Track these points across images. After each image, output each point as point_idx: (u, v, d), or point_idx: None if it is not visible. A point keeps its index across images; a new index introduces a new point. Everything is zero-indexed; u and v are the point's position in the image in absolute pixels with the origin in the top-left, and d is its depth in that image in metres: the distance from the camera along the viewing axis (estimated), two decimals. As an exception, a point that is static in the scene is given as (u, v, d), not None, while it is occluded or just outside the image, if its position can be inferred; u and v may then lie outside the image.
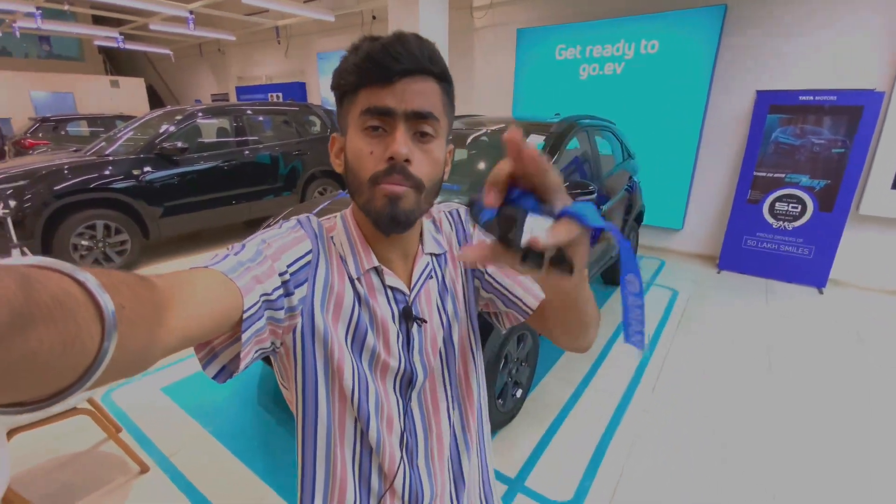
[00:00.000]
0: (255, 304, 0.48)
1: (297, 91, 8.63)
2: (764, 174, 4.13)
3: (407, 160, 0.55)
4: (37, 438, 1.98)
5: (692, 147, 4.64)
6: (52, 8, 7.07)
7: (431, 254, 0.68)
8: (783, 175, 4.05)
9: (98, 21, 11.09)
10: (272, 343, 0.55)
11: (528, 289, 0.70)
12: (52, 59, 11.92)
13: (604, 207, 3.05)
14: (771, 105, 3.98)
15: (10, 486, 1.54)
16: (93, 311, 0.27)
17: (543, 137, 2.69)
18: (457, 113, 4.26)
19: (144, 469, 1.93)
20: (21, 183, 3.97)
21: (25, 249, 3.44)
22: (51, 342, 0.24)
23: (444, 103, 0.59)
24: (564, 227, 0.37)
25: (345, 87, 0.57)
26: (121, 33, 8.76)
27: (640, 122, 4.85)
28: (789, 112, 3.92)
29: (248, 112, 5.54)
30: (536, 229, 0.36)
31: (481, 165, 2.91)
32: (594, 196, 2.41)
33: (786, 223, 4.11)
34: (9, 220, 3.31)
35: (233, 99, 10.40)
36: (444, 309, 0.68)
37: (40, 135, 7.83)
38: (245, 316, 0.47)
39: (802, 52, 4.02)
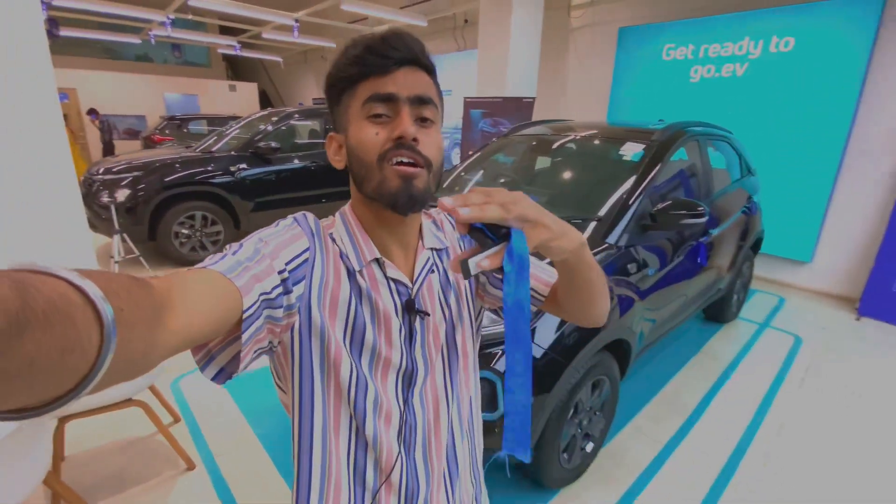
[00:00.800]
0: (254, 304, 0.48)
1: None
2: (934, 201, 3.27)
3: (415, 139, 0.56)
4: (97, 423, 2.06)
5: (832, 164, 3.85)
6: (183, 18, 7.96)
7: (432, 248, 0.69)
8: (964, 204, 3.16)
9: (224, 31, 12.41)
10: (270, 342, 0.55)
11: (537, 278, 0.73)
12: (184, 64, 13.58)
13: (713, 232, 2.56)
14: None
15: (52, 470, 1.56)
16: (91, 315, 0.27)
17: (642, 146, 2.31)
18: (544, 118, 3.98)
19: (191, 466, 1.92)
20: (137, 174, 4.40)
21: (125, 237, 3.78)
22: (48, 347, 0.24)
23: (437, 93, 0.61)
24: (497, 257, 0.49)
25: (345, 81, 0.58)
26: (238, 41, 9.65)
27: (765, 132, 4.14)
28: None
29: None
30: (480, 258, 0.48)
31: (566, 175, 2.59)
32: (704, 220, 1.98)
33: (963, 265, 3.20)
34: (113, 208, 3.63)
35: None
36: (447, 304, 0.68)
37: (167, 131, 8.88)
38: (245, 316, 0.47)
39: None
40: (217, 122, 9.22)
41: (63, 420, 1.67)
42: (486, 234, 0.49)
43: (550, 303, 0.72)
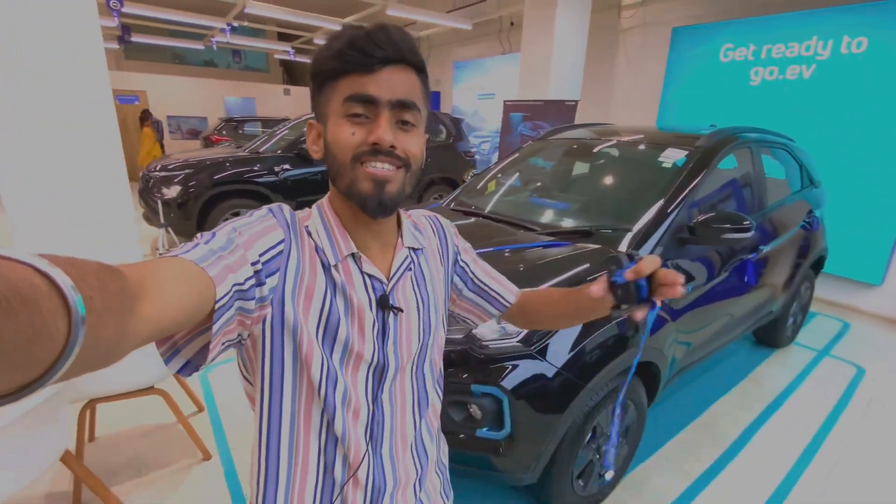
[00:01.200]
0: (226, 294, 0.47)
1: (431, 99, 8.88)
2: None
3: (392, 146, 0.56)
4: (125, 407, 2.16)
5: (912, 177, 3.44)
6: (245, 26, 8.40)
7: (411, 248, 0.68)
8: None
9: (282, 37, 12.99)
10: (239, 335, 0.54)
11: (505, 286, 0.82)
12: (244, 69, 14.33)
13: (764, 249, 2.33)
14: None
15: (74, 452, 1.63)
16: (58, 302, 0.27)
17: (685, 153, 2.14)
18: (591, 121, 3.81)
19: (207, 456, 1.97)
20: (189, 171, 4.65)
21: (170, 230, 3.99)
22: (12, 335, 0.24)
23: (424, 94, 0.59)
24: (643, 312, 0.61)
25: (326, 73, 0.57)
26: (292, 47, 10.06)
27: (832, 140, 3.77)
28: None
29: None
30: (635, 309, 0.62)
31: (600, 181, 2.45)
32: (749, 234, 1.80)
33: None
34: (159, 203, 3.83)
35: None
36: (423, 301, 0.68)
37: (224, 132, 9.38)
38: (217, 306, 0.46)
39: None
40: (270, 123, 9.65)
41: (92, 402, 1.75)
42: (641, 294, 0.60)
43: (516, 314, 0.83)
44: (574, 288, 0.77)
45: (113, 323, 0.32)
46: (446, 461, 0.82)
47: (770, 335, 3.05)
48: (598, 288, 0.63)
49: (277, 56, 12.32)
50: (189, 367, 0.51)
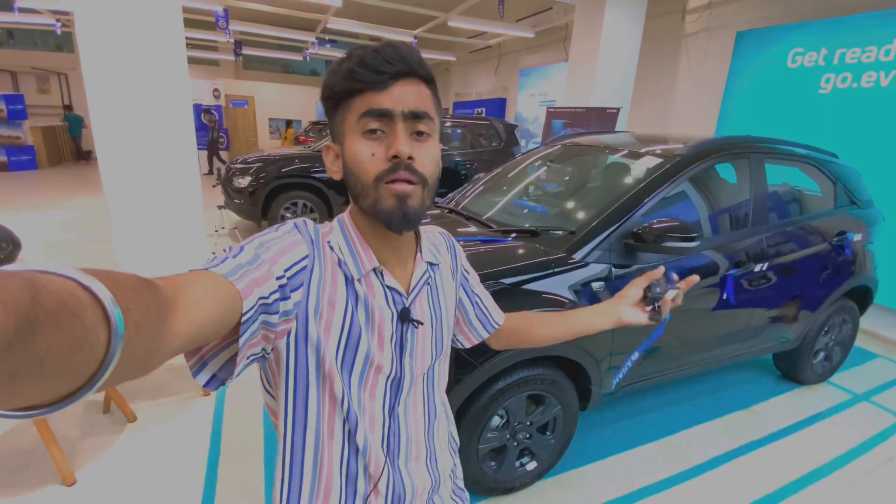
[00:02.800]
0: (252, 308, 0.49)
1: (497, 106, 9.04)
2: None
3: (410, 157, 0.57)
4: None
5: None
6: (338, 40, 9.30)
7: (429, 262, 0.70)
8: None
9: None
10: (263, 349, 0.56)
11: (494, 307, 0.85)
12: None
13: (757, 267, 2.17)
14: None
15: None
16: (99, 314, 0.28)
17: (659, 161, 2.08)
18: (641, 129, 3.69)
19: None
20: (260, 165, 5.35)
21: (223, 214, 4.63)
22: (58, 346, 0.25)
23: (435, 104, 0.61)
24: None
25: (339, 94, 0.58)
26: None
27: (911, 156, 3.26)
28: None
29: (449, 123, 6.11)
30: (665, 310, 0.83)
31: (575, 186, 2.46)
32: (693, 244, 1.74)
33: None
34: (219, 187, 4.47)
35: (451, 113, 11.63)
36: (437, 316, 0.70)
37: (310, 134, 10.44)
38: (243, 319, 0.48)
39: None
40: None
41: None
42: (656, 306, 0.82)
43: (501, 338, 0.88)
44: (577, 310, 0.86)
45: (148, 334, 0.33)
46: (460, 472, 0.85)
47: (790, 368, 2.76)
48: (645, 315, 0.83)
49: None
50: (215, 381, 0.52)
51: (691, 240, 1.74)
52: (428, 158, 0.58)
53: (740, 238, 2.17)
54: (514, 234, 1.98)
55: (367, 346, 0.61)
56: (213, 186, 4.69)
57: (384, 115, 0.56)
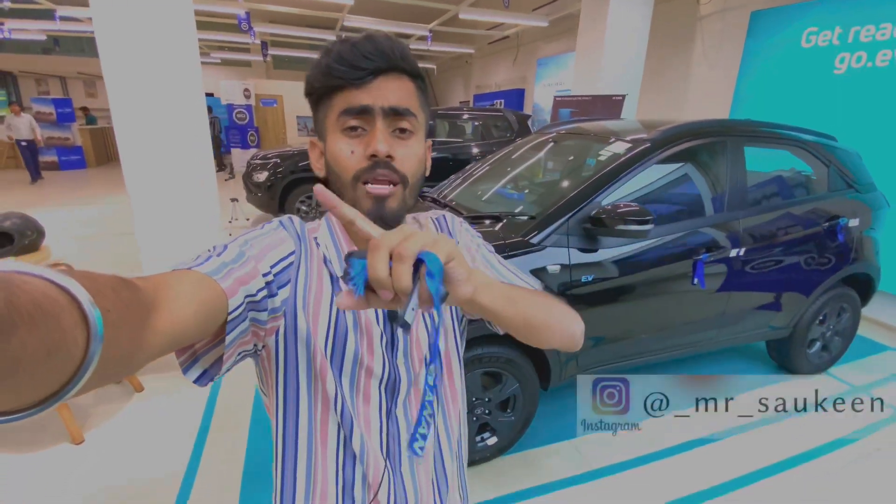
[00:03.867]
0: (239, 307, 0.48)
1: (515, 97, 8.99)
2: None
3: (389, 156, 0.55)
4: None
5: None
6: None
7: None
8: None
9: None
10: (254, 346, 0.55)
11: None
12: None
13: (736, 253, 2.14)
14: None
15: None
16: (77, 316, 0.27)
17: (628, 146, 2.09)
18: (655, 116, 3.64)
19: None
20: (277, 160, 5.60)
21: (236, 206, 4.88)
22: (34, 349, 0.24)
23: (420, 99, 0.59)
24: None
25: (319, 90, 0.57)
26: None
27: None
28: None
29: (465, 116, 6.25)
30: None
31: (546, 173, 2.49)
32: (647, 227, 1.75)
33: None
34: (231, 181, 4.72)
35: (472, 105, 11.64)
36: (430, 314, 0.65)
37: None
38: (229, 318, 0.47)
39: None
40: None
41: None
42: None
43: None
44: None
45: (129, 336, 0.32)
46: (466, 478, 0.80)
47: (785, 358, 2.69)
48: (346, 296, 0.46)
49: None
50: (205, 377, 0.51)
51: (646, 223, 1.76)
52: (409, 156, 0.56)
53: (713, 222, 2.15)
54: (473, 219, 2.05)
55: (356, 347, 0.59)
56: (226, 181, 4.97)
57: (363, 113, 0.54)
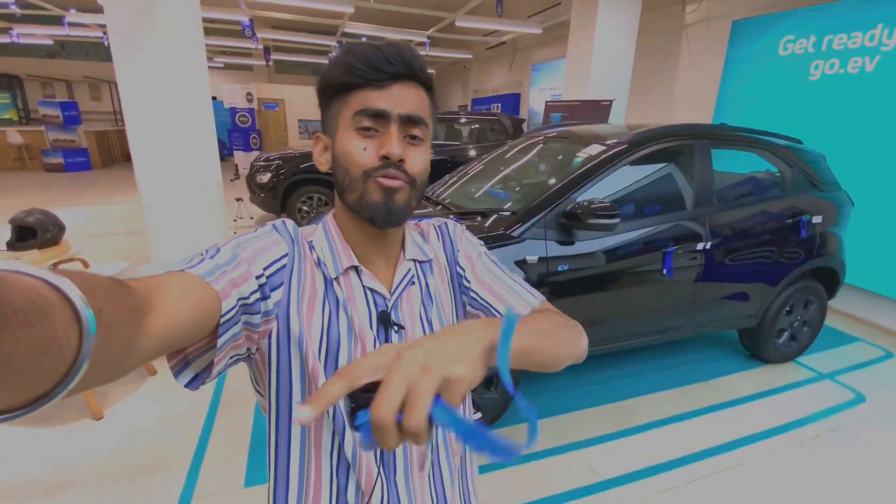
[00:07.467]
0: (232, 309, 0.48)
1: (511, 101, 9.21)
2: None
3: (401, 160, 0.57)
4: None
5: None
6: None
7: (415, 260, 0.67)
8: None
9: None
10: (248, 349, 0.55)
11: (507, 304, 0.68)
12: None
13: (701, 246, 2.33)
14: None
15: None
16: (70, 315, 0.27)
17: (602, 148, 2.28)
18: (642, 121, 3.83)
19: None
20: (279, 162, 5.80)
21: (240, 205, 5.07)
22: (26, 347, 0.24)
23: (431, 109, 0.62)
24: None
25: (336, 87, 0.58)
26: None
27: (889, 140, 3.27)
28: None
29: (462, 119, 6.49)
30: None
31: (528, 173, 2.67)
32: (614, 221, 1.94)
33: None
34: (235, 182, 4.91)
35: (469, 109, 11.87)
36: (428, 319, 0.66)
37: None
38: (222, 321, 0.47)
39: None
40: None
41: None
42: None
43: None
44: None
45: (121, 336, 0.32)
46: (472, 486, 0.75)
47: (755, 346, 2.87)
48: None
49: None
50: (197, 381, 0.51)
51: (613, 217, 1.95)
52: (418, 161, 0.58)
53: (681, 218, 2.34)
54: (461, 215, 2.24)
55: (349, 354, 0.59)
56: (231, 181, 5.17)
57: (379, 116, 0.56)
